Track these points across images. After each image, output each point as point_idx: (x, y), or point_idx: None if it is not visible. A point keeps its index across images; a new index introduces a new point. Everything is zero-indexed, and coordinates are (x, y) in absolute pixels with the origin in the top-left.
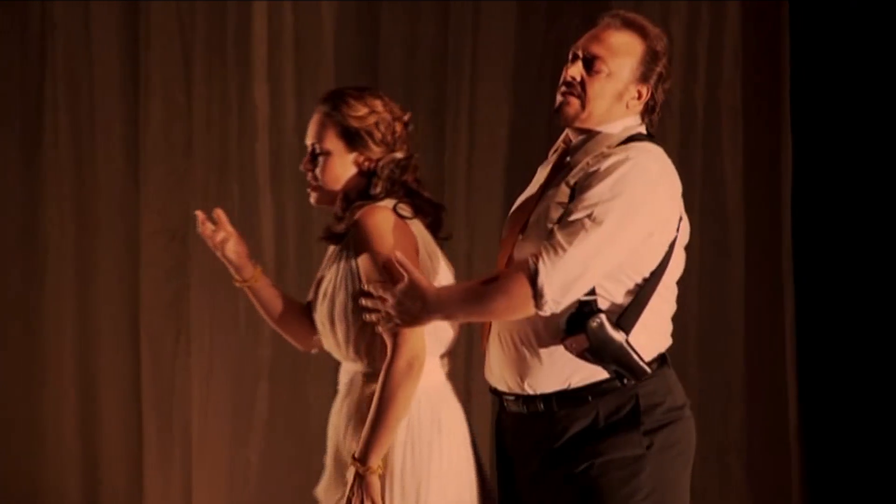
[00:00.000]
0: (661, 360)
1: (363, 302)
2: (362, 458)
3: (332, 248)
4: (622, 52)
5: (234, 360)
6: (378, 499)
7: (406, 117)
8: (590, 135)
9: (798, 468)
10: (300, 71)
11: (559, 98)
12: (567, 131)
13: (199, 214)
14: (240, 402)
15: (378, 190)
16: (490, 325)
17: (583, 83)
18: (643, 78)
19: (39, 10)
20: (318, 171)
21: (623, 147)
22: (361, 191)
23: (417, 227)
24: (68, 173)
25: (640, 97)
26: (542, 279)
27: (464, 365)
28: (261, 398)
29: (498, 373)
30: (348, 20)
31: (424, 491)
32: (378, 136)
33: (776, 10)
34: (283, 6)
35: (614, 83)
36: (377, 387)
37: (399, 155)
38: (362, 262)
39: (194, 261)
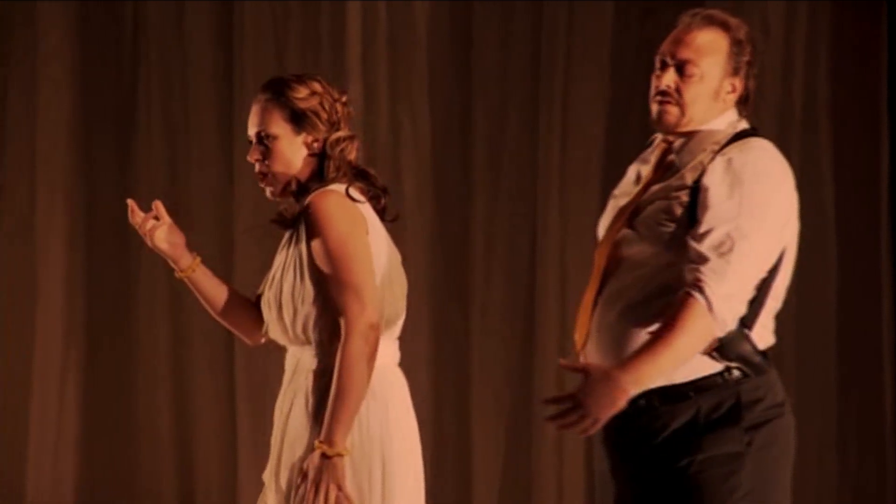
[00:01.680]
0: (763, 356)
1: (555, 425)
2: (329, 440)
3: (285, 235)
4: (709, 50)
5: None
6: (343, 481)
7: (344, 98)
8: (692, 134)
9: (894, 464)
10: (393, 69)
11: (656, 107)
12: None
13: (130, 203)
14: None
15: (332, 171)
16: (587, 324)
17: (678, 89)
18: (734, 71)
19: (132, 10)
20: (267, 158)
21: (738, 146)
22: (313, 174)
23: (367, 211)
24: (162, 172)
25: (733, 90)
26: (717, 304)
27: (557, 367)
28: None
29: None
30: (441, 19)
31: (377, 469)
32: (324, 115)
33: (874, 8)
34: (377, 6)
35: (708, 83)
36: (336, 367)
37: (344, 133)
38: (315, 246)
39: None
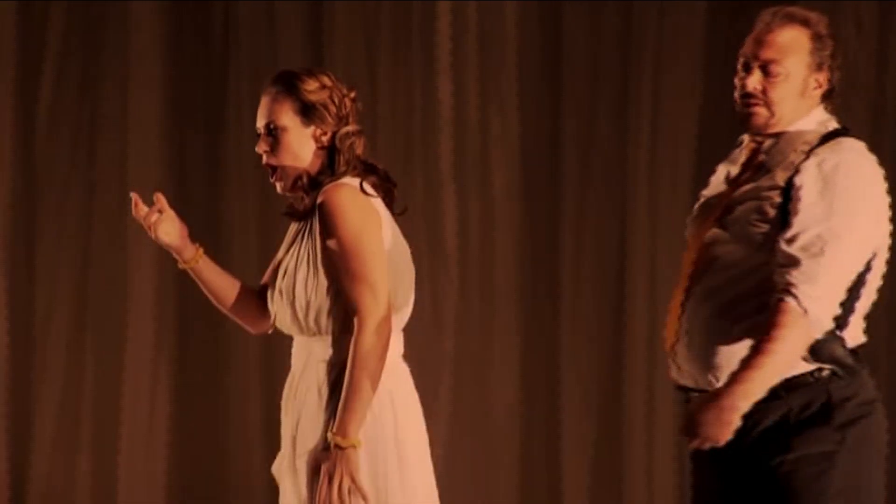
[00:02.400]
0: (854, 356)
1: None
2: (342, 431)
3: (294, 226)
4: (793, 49)
5: (418, 352)
6: (357, 473)
7: (353, 94)
8: (782, 134)
9: None
10: (483, 67)
11: (743, 110)
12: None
13: (133, 196)
14: (423, 394)
15: (342, 164)
16: (677, 325)
17: (764, 90)
18: (818, 67)
19: (223, 10)
20: (275, 150)
21: (830, 147)
22: (323, 168)
23: (379, 204)
24: (252, 171)
25: (819, 85)
26: (811, 307)
27: (646, 366)
28: (444, 390)
29: (687, 370)
30: (531, 18)
31: (393, 460)
32: (333, 109)
33: None
34: (467, 5)
35: (794, 81)
36: (349, 359)
37: (352, 127)
38: (329, 239)
39: None
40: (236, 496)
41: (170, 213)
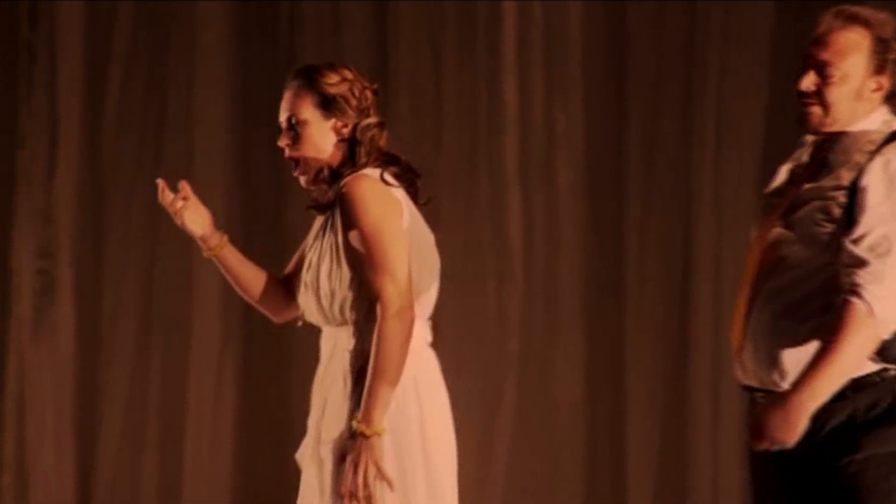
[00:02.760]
0: None
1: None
2: (366, 419)
3: (318, 220)
4: (850, 51)
5: (483, 353)
6: (381, 460)
7: (375, 86)
8: (845, 133)
9: None
10: (548, 68)
11: (799, 108)
12: None
13: (160, 183)
14: (488, 395)
15: (362, 156)
16: (744, 325)
17: (819, 91)
18: (878, 70)
19: (289, 10)
20: (297, 143)
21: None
22: (345, 160)
23: (401, 194)
24: None
25: (879, 88)
26: (878, 307)
27: (711, 365)
28: (509, 391)
29: (753, 370)
30: (596, 18)
31: (418, 448)
32: (353, 102)
33: None
34: (532, 6)
35: (850, 84)
36: (372, 348)
37: (373, 119)
38: (350, 229)
39: (443, 253)
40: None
41: (195, 201)
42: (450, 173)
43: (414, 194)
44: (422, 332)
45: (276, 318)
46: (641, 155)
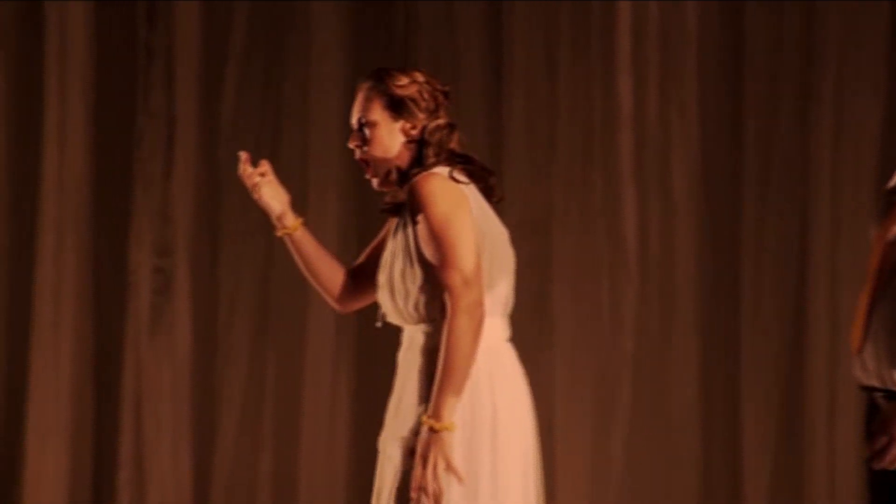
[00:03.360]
0: None
1: (875, 465)
2: (436, 415)
3: (392, 221)
4: None
5: (597, 352)
6: (451, 456)
7: (446, 88)
8: None
9: None
10: (663, 67)
11: None
12: None
13: (244, 154)
14: (603, 394)
15: (431, 156)
16: (865, 324)
17: None
18: None
19: (404, 10)
20: (366, 145)
21: None
22: (413, 161)
23: (472, 192)
24: None
25: None
26: None
27: (828, 366)
28: (624, 390)
29: (874, 369)
30: (712, 17)
31: (477, 445)
32: (422, 104)
33: None
34: (647, 5)
35: None
36: (442, 343)
37: (443, 121)
38: (419, 226)
39: (557, 253)
40: None
41: (273, 179)
42: (564, 172)
43: (487, 192)
44: (498, 328)
45: (340, 308)
46: (757, 154)
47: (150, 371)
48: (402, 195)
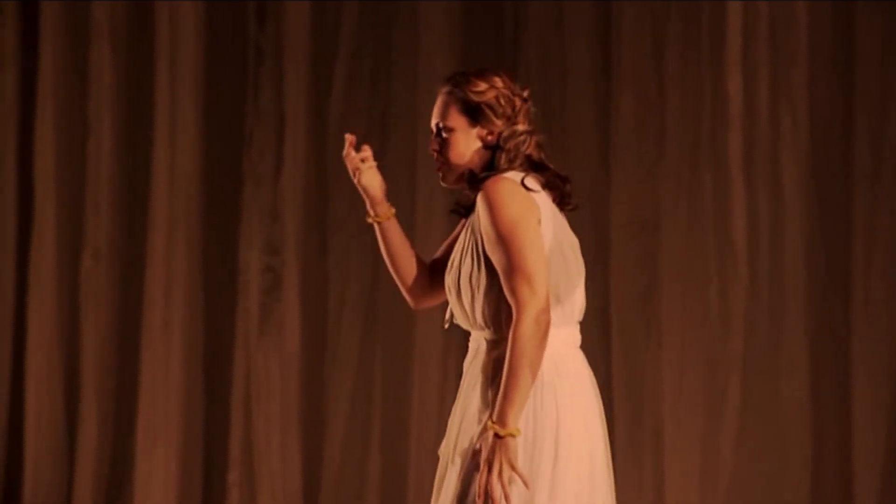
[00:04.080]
0: None
1: None
2: (501, 420)
3: (461, 222)
4: None
5: (706, 352)
6: (516, 462)
7: (525, 93)
8: None
9: None
10: (774, 64)
11: None
12: None
13: (350, 137)
14: (712, 394)
15: (503, 162)
16: None
17: None
18: None
19: (512, 9)
20: (444, 149)
21: None
22: (486, 166)
23: (543, 199)
24: None
25: None
26: None
27: None
28: (733, 391)
29: None
30: (823, 17)
31: (538, 452)
32: (499, 109)
33: None
34: (758, 5)
35: None
36: (508, 349)
37: (521, 127)
38: (487, 230)
39: (665, 252)
40: None
41: (373, 165)
42: (673, 171)
43: (560, 201)
44: (567, 336)
45: (413, 304)
46: (868, 154)
47: (259, 370)
48: (470, 197)
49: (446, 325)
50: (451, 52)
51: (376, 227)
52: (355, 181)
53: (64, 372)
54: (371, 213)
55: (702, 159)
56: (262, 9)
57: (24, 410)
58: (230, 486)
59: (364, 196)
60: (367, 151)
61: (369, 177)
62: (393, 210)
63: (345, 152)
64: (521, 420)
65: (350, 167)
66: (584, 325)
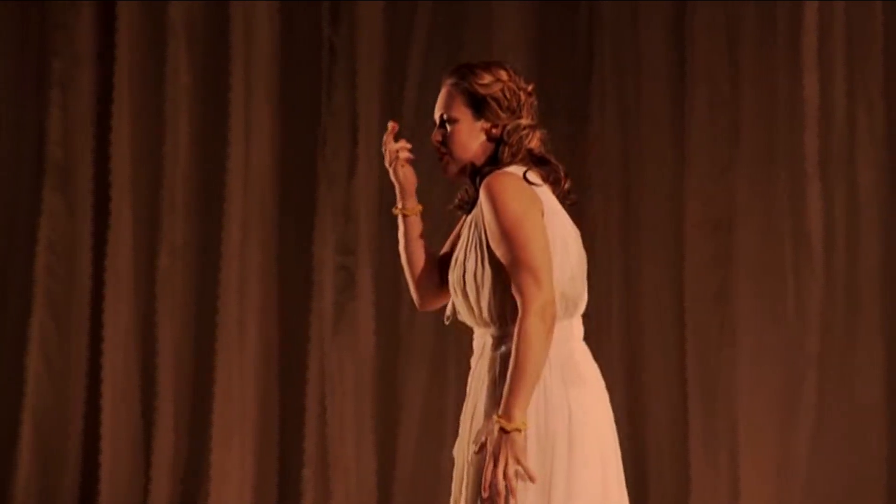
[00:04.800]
0: None
1: None
2: (507, 415)
3: (464, 218)
4: None
5: (781, 351)
6: (522, 456)
7: (529, 88)
8: None
9: None
10: (850, 65)
11: None
12: None
13: (393, 125)
14: (787, 392)
15: (506, 155)
16: None
17: None
18: None
19: (588, 8)
20: (447, 141)
21: None
22: (489, 159)
23: (545, 193)
24: (614, 162)
25: None
26: None
27: None
28: (808, 389)
29: None
30: None
31: (551, 448)
32: (504, 103)
33: None
34: (833, 5)
35: None
36: (513, 343)
37: (525, 121)
38: (490, 225)
39: (740, 251)
40: None
41: (409, 158)
42: (748, 169)
43: (562, 195)
44: (572, 329)
45: (421, 304)
46: None
47: (333, 369)
48: (471, 192)
49: (447, 322)
50: (525, 52)
51: (400, 219)
52: (390, 171)
53: (140, 371)
54: (399, 205)
55: (777, 158)
56: (336, 9)
57: (101, 409)
58: (305, 483)
59: (396, 187)
60: (405, 143)
61: (403, 170)
62: (420, 207)
63: (384, 139)
64: (532, 417)
65: (388, 156)
66: (659, 324)
